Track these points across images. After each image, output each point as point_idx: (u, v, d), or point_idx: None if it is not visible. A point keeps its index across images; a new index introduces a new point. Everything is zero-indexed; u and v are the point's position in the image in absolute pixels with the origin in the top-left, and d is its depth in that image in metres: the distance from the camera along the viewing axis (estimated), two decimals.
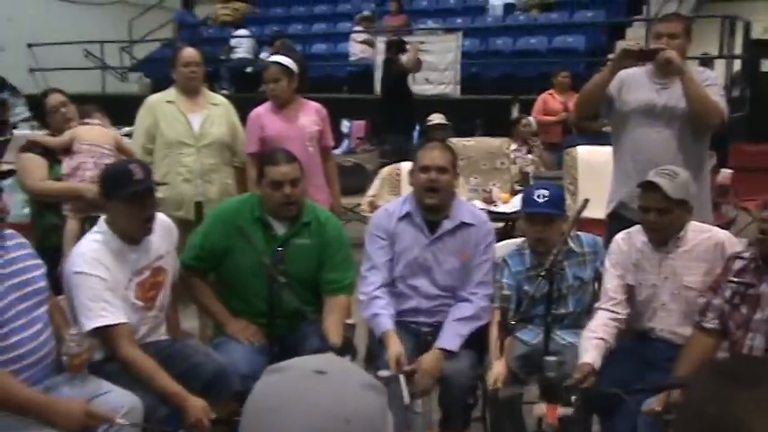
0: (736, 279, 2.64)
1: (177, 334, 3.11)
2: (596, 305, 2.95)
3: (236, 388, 2.75)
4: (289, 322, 2.97)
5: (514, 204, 5.31)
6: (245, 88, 10.98)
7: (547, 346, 2.64)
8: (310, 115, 4.30)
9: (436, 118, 6.96)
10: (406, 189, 5.29)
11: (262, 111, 4.30)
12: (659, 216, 2.82)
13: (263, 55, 11.82)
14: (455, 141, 6.36)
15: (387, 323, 2.98)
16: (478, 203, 5.13)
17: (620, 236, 3.02)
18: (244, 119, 4.39)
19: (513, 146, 6.65)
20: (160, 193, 3.80)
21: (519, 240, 3.23)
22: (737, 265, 2.67)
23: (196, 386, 2.65)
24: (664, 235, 2.86)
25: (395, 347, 2.89)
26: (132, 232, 2.76)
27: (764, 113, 10.30)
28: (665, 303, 2.87)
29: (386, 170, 5.59)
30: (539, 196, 2.98)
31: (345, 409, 0.97)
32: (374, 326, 3.04)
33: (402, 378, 2.80)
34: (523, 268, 3.08)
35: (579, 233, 3.10)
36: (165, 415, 2.60)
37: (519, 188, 5.92)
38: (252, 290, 3.04)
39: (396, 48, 8.15)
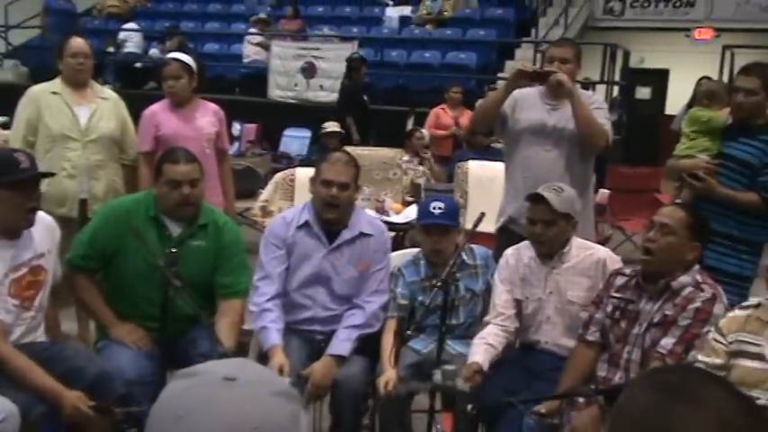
0: (617, 294, 2.78)
1: (57, 336, 2.96)
2: (486, 319, 3.04)
3: (120, 392, 2.65)
4: (180, 326, 2.88)
5: (406, 215, 5.39)
6: (132, 84, 10.62)
7: (439, 356, 2.68)
8: (208, 116, 4.21)
9: (330, 125, 6.99)
10: (300, 195, 5.28)
11: (157, 109, 4.17)
12: (545, 228, 2.95)
13: (152, 51, 11.48)
14: (350, 150, 6.40)
15: (274, 338, 2.94)
16: (370, 213, 5.17)
17: (509, 251, 3.13)
18: (131, 116, 4.24)
19: (406, 157, 6.75)
20: (42, 187, 3.62)
21: (414, 251, 3.28)
22: (619, 281, 2.81)
23: (76, 390, 2.53)
24: (549, 248, 2.99)
25: (278, 359, 2.86)
26: (13, 223, 2.62)
27: (639, 138, 10.95)
28: (549, 317, 3.00)
29: (279, 175, 5.56)
30: (435, 208, 3.04)
31: (253, 416, 0.96)
32: (262, 339, 2.99)
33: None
34: (418, 278, 3.13)
35: (472, 246, 3.18)
36: (41, 414, 2.47)
37: (410, 199, 6.01)
38: (143, 293, 2.93)
39: (358, 62, 8.41)
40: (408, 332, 2.66)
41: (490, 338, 2.92)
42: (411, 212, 5.32)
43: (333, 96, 10.05)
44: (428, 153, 7.07)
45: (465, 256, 3.12)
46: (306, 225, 3.11)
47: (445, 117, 7.81)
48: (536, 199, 2.99)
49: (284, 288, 3.08)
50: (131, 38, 11.54)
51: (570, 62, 3.61)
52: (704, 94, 4.00)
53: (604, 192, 6.88)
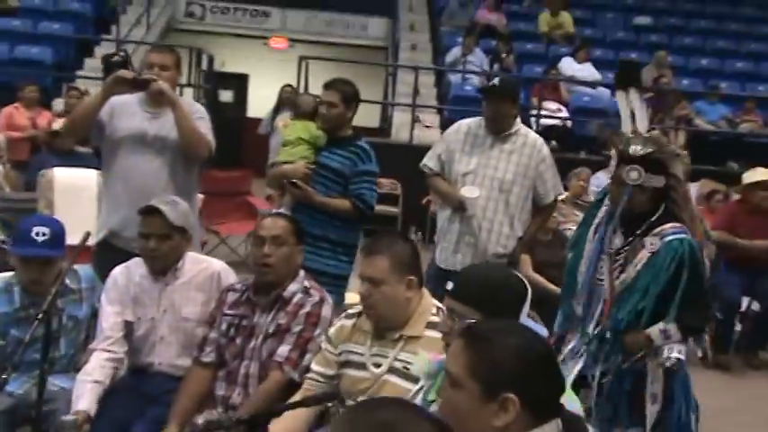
0: (230, 312, 2.76)
1: None
2: (91, 346, 2.80)
3: None
4: None
5: None
6: None
7: (41, 395, 2.39)
8: None
9: None
10: None
11: None
12: (160, 242, 2.82)
13: None
14: None
15: None
16: None
17: (117, 270, 2.92)
18: None
19: None
20: None
21: (7, 275, 2.85)
22: (231, 297, 2.79)
23: None
24: (163, 263, 2.87)
25: None
26: None
27: (225, 140, 11.17)
28: (164, 336, 2.86)
29: None
30: (38, 234, 2.69)
31: None
32: None
33: None
34: (11, 309, 2.75)
35: (76, 267, 2.89)
36: None
37: None
38: None
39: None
40: (4, 376, 2.30)
41: (96, 374, 2.69)
42: None
43: None
44: (2, 158, 6.30)
45: (68, 280, 2.82)
46: None
47: (20, 117, 7.13)
48: (150, 212, 2.83)
49: None
50: None
51: (170, 69, 3.53)
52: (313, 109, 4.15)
53: (198, 196, 6.87)
